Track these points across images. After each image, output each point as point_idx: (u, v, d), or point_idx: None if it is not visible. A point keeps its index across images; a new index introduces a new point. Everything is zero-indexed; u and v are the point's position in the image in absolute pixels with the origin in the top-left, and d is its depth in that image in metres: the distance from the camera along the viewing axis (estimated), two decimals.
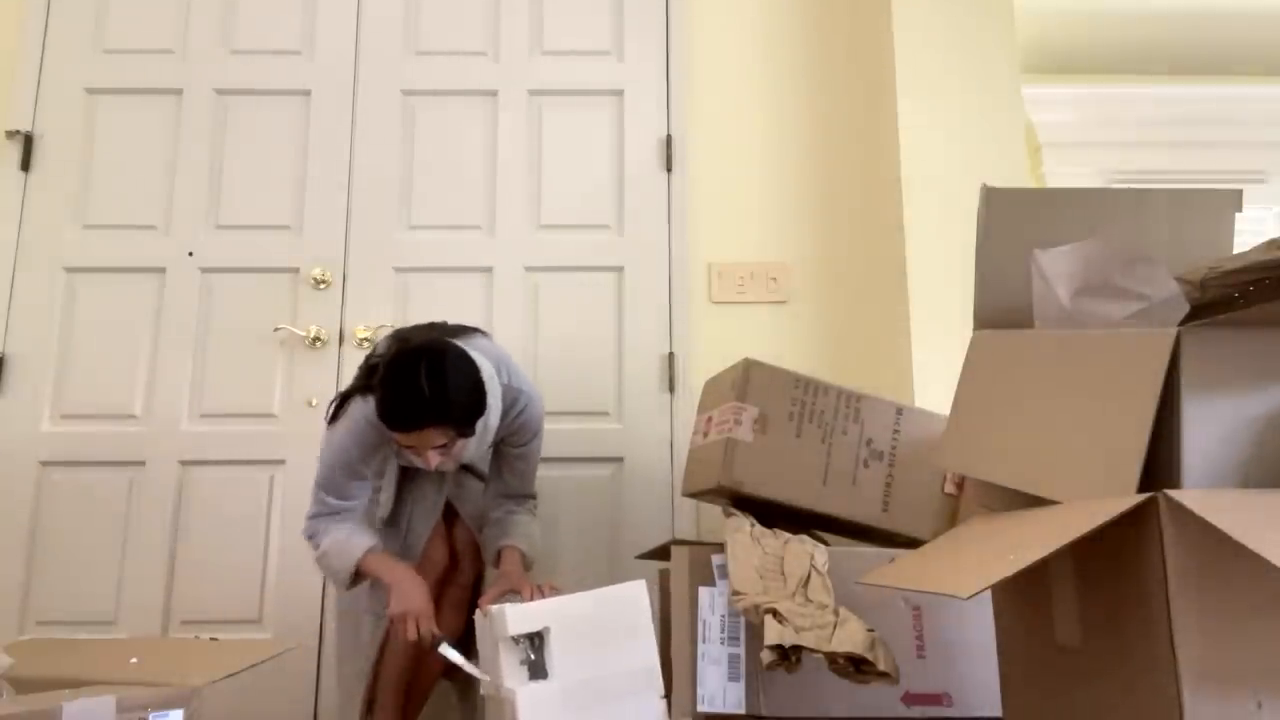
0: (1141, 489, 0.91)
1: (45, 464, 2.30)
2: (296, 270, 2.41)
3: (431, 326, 1.86)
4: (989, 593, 1.19)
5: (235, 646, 1.65)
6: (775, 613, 1.33)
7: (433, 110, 2.52)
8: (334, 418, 1.73)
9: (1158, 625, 0.89)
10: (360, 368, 1.80)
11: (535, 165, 2.50)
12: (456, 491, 1.91)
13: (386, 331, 2.31)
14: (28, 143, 2.44)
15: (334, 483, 1.72)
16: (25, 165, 2.43)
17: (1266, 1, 2.98)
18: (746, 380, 1.74)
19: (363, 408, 1.66)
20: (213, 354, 2.37)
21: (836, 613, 1.36)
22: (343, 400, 1.74)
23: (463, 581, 1.90)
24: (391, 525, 1.82)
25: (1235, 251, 1.01)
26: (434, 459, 1.62)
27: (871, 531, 1.74)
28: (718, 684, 1.44)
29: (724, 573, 1.49)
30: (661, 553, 1.89)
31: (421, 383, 1.54)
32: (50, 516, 2.28)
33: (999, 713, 1.23)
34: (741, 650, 1.46)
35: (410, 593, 1.64)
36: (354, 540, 1.70)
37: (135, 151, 2.47)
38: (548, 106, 2.54)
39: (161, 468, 2.30)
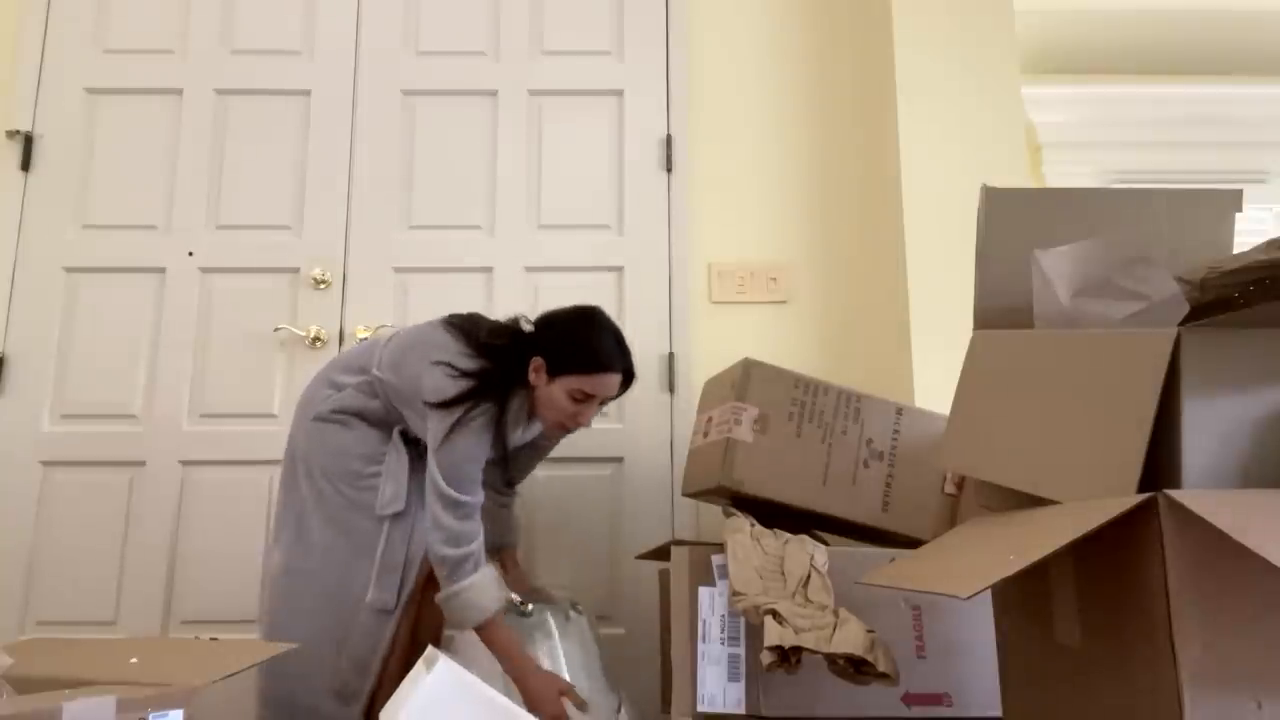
0: (1141, 489, 0.91)
1: (45, 464, 2.30)
2: (296, 270, 2.41)
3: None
4: (989, 593, 1.20)
5: (235, 646, 1.64)
6: (775, 613, 1.33)
7: (433, 110, 2.52)
8: (460, 413, 1.65)
9: (1158, 625, 0.89)
10: (461, 366, 1.68)
11: (535, 165, 2.50)
12: None
13: (387, 331, 2.32)
14: (28, 143, 2.44)
15: (474, 478, 1.66)
16: (25, 165, 2.43)
17: (1266, 1, 2.98)
18: (746, 380, 1.74)
19: (478, 411, 1.64)
20: (213, 354, 2.37)
21: (836, 613, 1.36)
22: (470, 397, 1.65)
23: None
24: (401, 519, 1.76)
25: (1235, 251, 1.01)
26: (592, 415, 1.73)
27: (871, 531, 1.74)
28: (718, 684, 1.44)
29: (724, 573, 1.49)
30: (661, 553, 1.89)
31: (616, 327, 1.73)
32: (50, 516, 2.28)
33: (999, 713, 1.23)
34: (741, 650, 1.46)
35: (547, 696, 1.58)
36: (498, 587, 1.65)
37: (135, 151, 2.47)
38: (548, 106, 2.54)
39: (161, 468, 2.30)
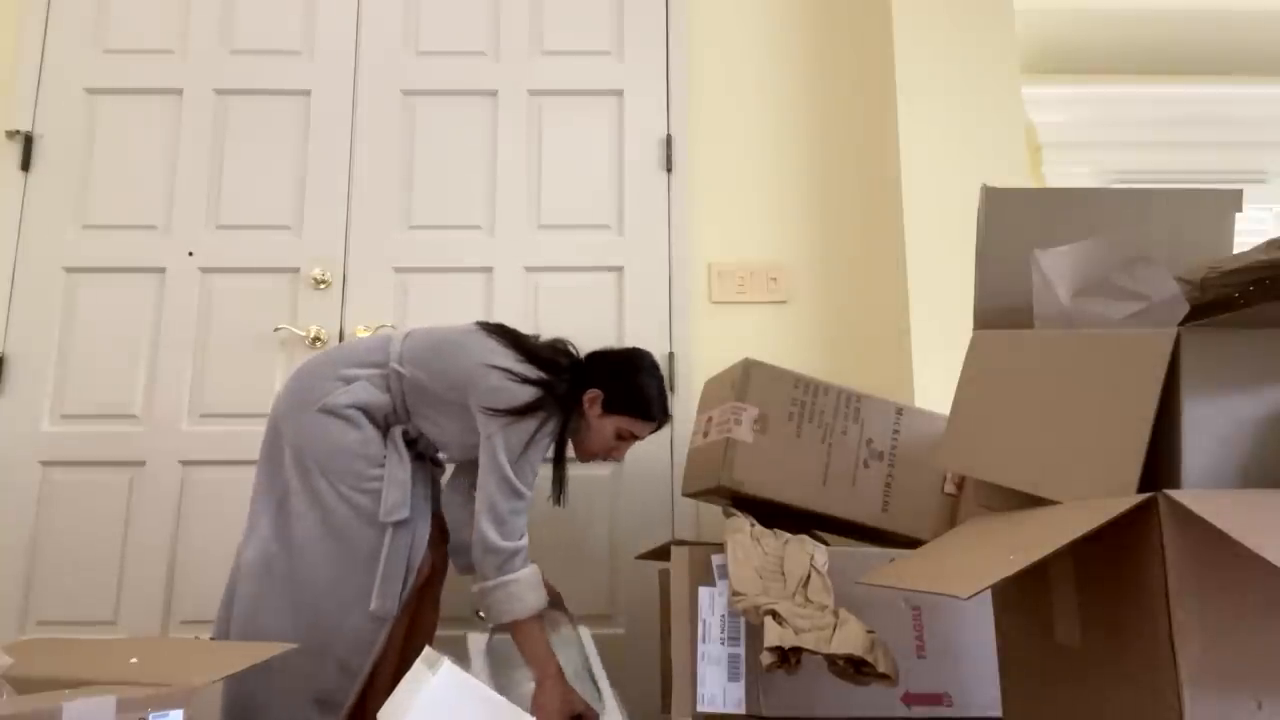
0: (1141, 489, 0.91)
1: (45, 464, 2.30)
2: (296, 270, 2.41)
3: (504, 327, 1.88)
4: (989, 593, 1.20)
5: (235, 646, 1.64)
6: (775, 614, 1.33)
7: (433, 110, 2.52)
8: (521, 411, 1.69)
9: (1158, 625, 0.89)
10: (520, 372, 1.72)
11: (535, 165, 2.50)
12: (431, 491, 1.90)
13: (387, 331, 2.32)
14: (28, 143, 2.44)
15: (534, 475, 1.72)
16: (25, 165, 2.44)
17: (1266, 1, 2.98)
18: (746, 380, 1.74)
19: (531, 426, 1.70)
20: (213, 354, 2.37)
21: (836, 614, 1.36)
22: (541, 407, 1.70)
23: (435, 586, 1.92)
24: (404, 527, 1.74)
25: (1235, 251, 1.01)
26: (625, 453, 1.88)
27: (871, 531, 1.74)
28: (718, 684, 1.44)
29: (724, 573, 1.49)
30: (661, 553, 1.89)
31: (662, 376, 1.86)
32: (50, 516, 2.28)
33: (999, 713, 1.23)
34: (741, 650, 1.46)
35: (557, 695, 1.62)
36: (542, 587, 1.70)
37: (135, 151, 2.47)
38: (548, 106, 2.54)
39: (161, 468, 2.30)
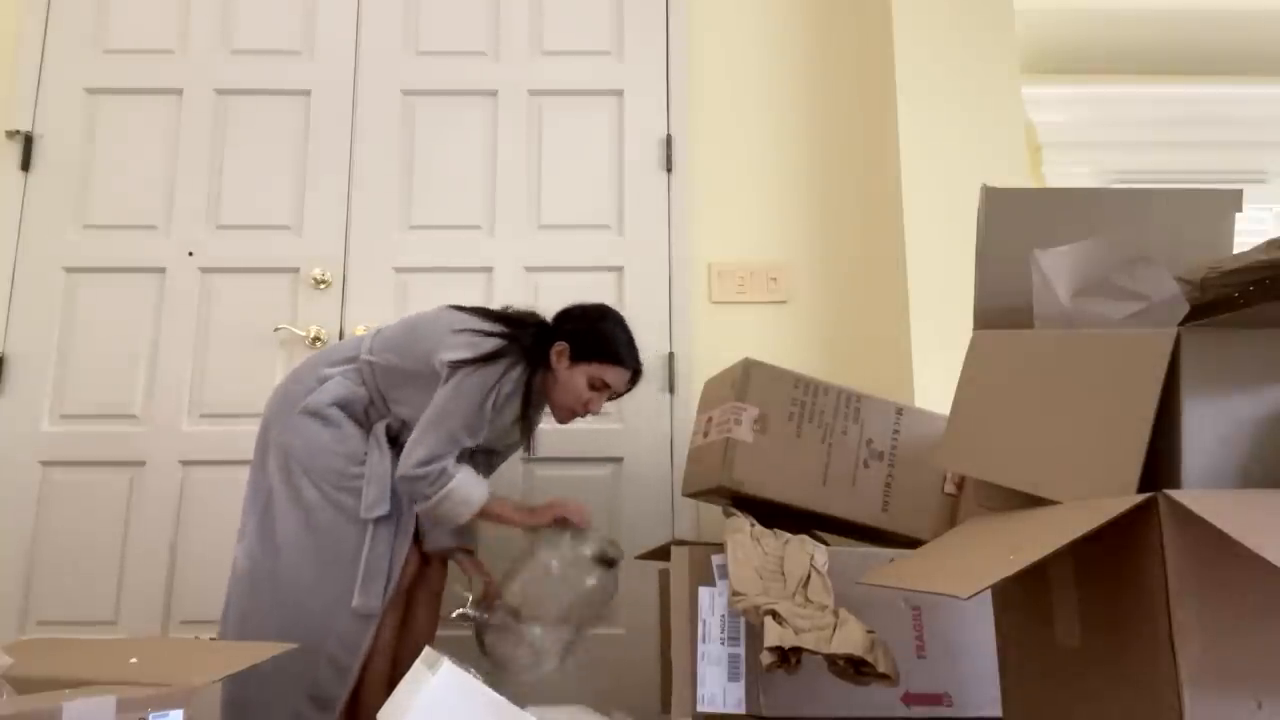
0: (1141, 489, 0.91)
1: (45, 464, 2.30)
2: (296, 270, 2.41)
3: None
4: (989, 593, 1.19)
5: (235, 646, 1.64)
6: (775, 614, 1.33)
7: (433, 110, 2.52)
8: (483, 359, 1.73)
9: (1158, 625, 0.89)
10: (495, 337, 1.78)
11: (535, 165, 2.50)
12: None
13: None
14: (28, 143, 2.44)
15: (469, 426, 1.72)
16: (25, 165, 2.43)
17: (1266, 1, 2.98)
18: (746, 380, 1.74)
19: (493, 374, 1.72)
20: (213, 354, 2.37)
21: (836, 614, 1.36)
22: (502, 355, 1.75)
23: (433, 584, 1.92)
24: (386, 522, 1.76)
25: (1235, 251, 1.01)
26: (600, 405, 1.87)
27: (871, 531, 1.74)
28: (718, 684, 1.44)
29: (724, 573, 1.49)
30: (661, 553, 1.89)
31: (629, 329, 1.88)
32: (50, 516, 2.28)
33: (999, 713, 1.23)
34: (741, 650, 1.46)
35: (546, 510, 1.81)
36: (479, 483, 1.75)
37: (135, 151, 2.47)
38: (548, 106, 2.54)
39: (161, 468, 2.30)
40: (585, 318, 1.85)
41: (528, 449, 1.94)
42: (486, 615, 1.80)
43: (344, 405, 1.79)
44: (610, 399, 1.88)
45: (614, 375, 1.83)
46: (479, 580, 1.92)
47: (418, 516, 1.84)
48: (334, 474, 1.75)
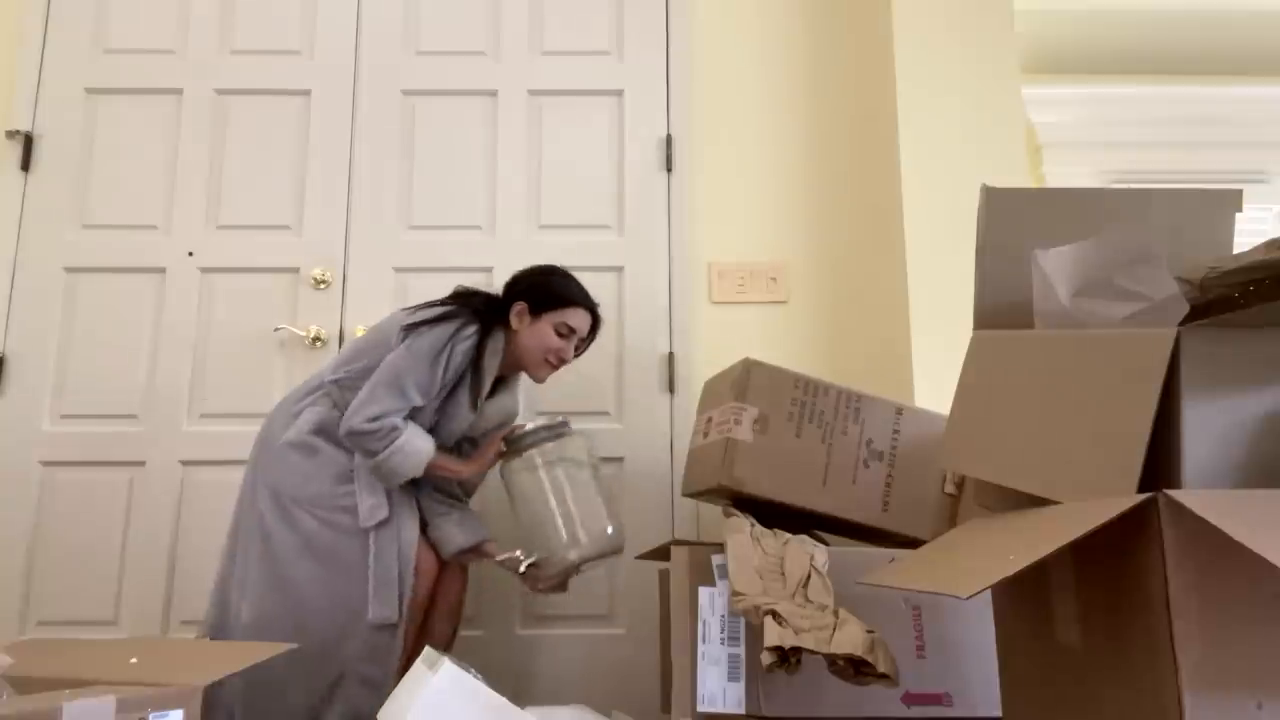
0: (1141, 489, 0.91)
1: (45, 464, 2.30)
2: (296, 270, 2.41)
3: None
4: (989, 593, 1.19)
5: (235, 646, 1.64)
6: (775, 614, 1.33)
7: (433, 110, 2.52)
8: (432, 320, 1.80)
9: (1158, 625, 0.89)
10: (445, 306, 1.86)
11: (535, 165, 2.50)
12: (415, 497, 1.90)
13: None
14: (28, 143, 2.44)
15: (419, 384, 1.75)
16: (25, 165, 2.44)
17: (1266, 1, 2.98)
18: (746, 380, 1.74)
19: (444, 333, 1.77)
20: (213, 354, 2.37)
21: (836, 614, 1.36)
22: (436, 320, 1.80)
23: (450, 595, 1.91)
24: (386, 526, 1.76)
25: (1235, 251, 1.01)
26: (571, 352, 1.92)
27: (871, 531, 1.74)
28: (718, 684, 1.44)
29: (724, 573, 1.49)
30: (661, 553, 1.89)
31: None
32: (50, 516, 2.28)
33: (999, 713, 1.23)
34: (741, 650, 1.46)
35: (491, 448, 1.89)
36: (426, 437, 1.78)
37: (135, 151, 2.47)
38: (548, 106, 2.54)
39: (161, 468, 2.30)
40: (533, 275, 1.94)
41: (474, 402, 1.89)
42: (532, 557, 1.82)
43: (320, 431, 1.81)
44: (577, 350, 1.94)
45: (576, 317, 1.90)
46: (508, 559, 1.91)
47: (422, 517, 1.84)
48: (325, 497, 1.77)
